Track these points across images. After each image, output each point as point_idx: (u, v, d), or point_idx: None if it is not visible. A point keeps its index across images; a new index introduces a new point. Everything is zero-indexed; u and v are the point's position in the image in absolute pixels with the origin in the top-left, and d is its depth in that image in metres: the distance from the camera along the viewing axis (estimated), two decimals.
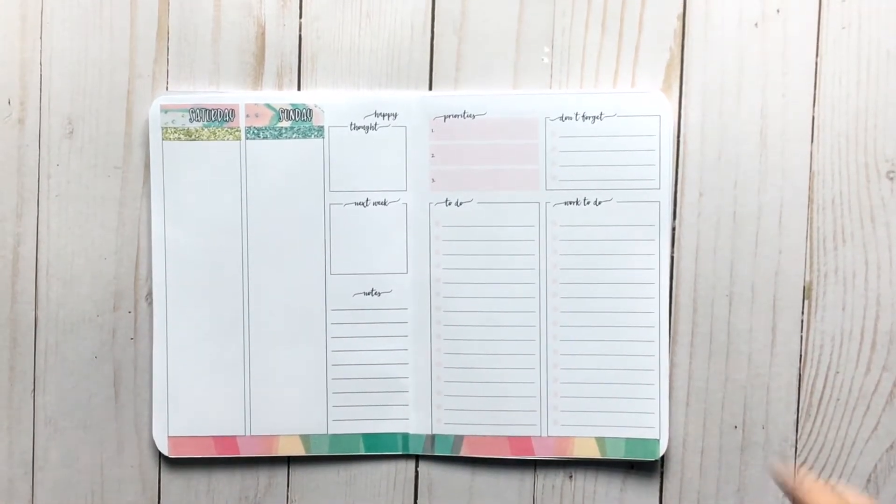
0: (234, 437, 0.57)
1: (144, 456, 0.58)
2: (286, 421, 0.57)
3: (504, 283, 0.56)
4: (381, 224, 0.57)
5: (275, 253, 0.57)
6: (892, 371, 0.55)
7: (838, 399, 0.56)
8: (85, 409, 0.58)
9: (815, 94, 0.55)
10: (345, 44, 0.57)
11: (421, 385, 0.57)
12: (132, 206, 0.58)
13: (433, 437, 0.57)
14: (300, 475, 0.58)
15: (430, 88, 0.57)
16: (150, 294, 0.57)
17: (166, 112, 0.56)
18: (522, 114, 0.56)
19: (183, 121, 0.56)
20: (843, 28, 0.55)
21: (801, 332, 0.56)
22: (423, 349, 0.57)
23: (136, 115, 0.57)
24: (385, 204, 0.57)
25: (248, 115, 0.56)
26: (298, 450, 0.57)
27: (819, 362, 0.56)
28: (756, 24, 0.55)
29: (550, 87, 0.56)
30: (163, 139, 0.56)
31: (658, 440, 0.56)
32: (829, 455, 0.56)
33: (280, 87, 0.57)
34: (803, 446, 0.56)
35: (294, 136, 0.56)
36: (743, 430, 0.56)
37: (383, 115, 0.56)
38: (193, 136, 0.56)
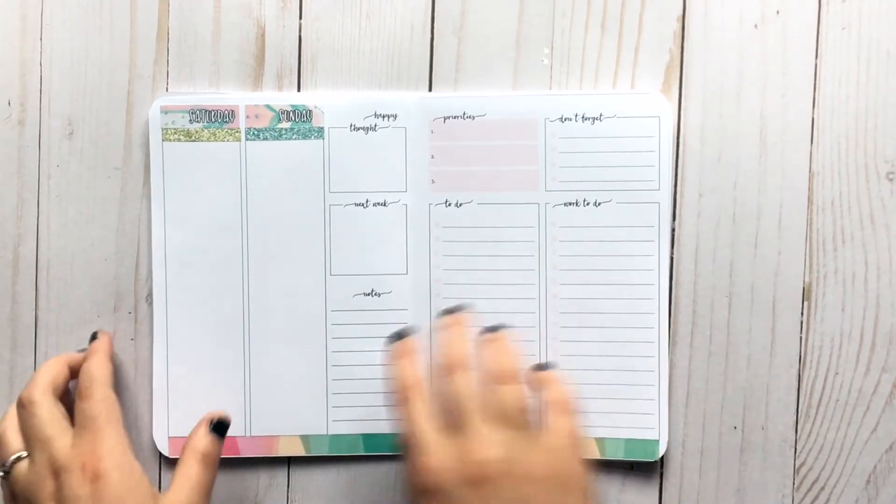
0: (234, 437, 0.57)
1: (144, 456, 0.58)
2: (286, 421, 0.57)
3: (504, 284, 0.57)
4: (381, 225, 0.57)
5: (275, 254, 0.57)
6: (891, 372, 0.55)
7: (838, 400, 0.56)
8: None
9: (814, 96, 0.55)
10: (345, 44, 0.57)
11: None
12: (132, 206, 0.58)
13: None
14: (300, 475, 0.58)
15: (430, 89, 0.57)
16: (150, 295, 0.57)
17: (166, 113, 0.56)
18: (522, 115, 0.56)
19: (183, 122, 0.56)
20: (843, 29, 0.55)
21: (801, 332, 0.56)
22: (422, 349, 0.57)
23: (136, 116, 0.57)
24: (385, 205, 0.57)
25: (248, 117, 0.56)
26: (298, 450, 0.57)
27: (818, 363, 0.56)
28: (756, 26, 0.56)
29: (550, 88, 0.56)
30: (163, 140, 0.56)
31: (657, 441, 0.56)
32: (829, 456, 0.56)
33: (280, 88, 0.57)
34: (802, 447, 0.56)
35: (294, 137, 0.56)
36: (742, 431, 0.56)
37: (383, 117, 0.56)
38: (193, 138, 0.56)
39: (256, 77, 0.57)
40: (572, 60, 0.57)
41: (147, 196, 0.57)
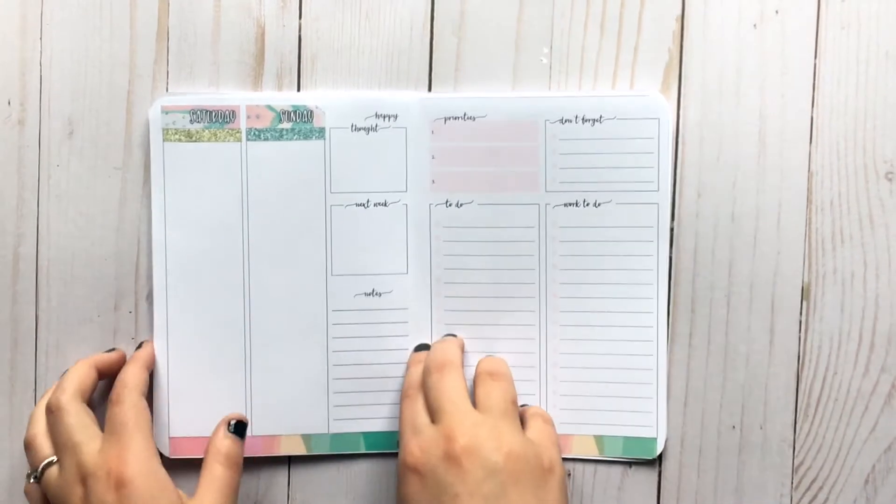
0: None
1: None
2: (287, 421, 0.57)
3: (504, 284, 0.57)
4: (381, 225, 0.57)
5: (276, 254, 0.57)
6: (890, 372, 0.55)
7: (836, 400, 0.56)
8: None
9: (813, 95, 0.55)
10: (344, 44, 0.57)
11: None
12: (132, 206, 0.58)
13: None
14: (301, 474, 0.58)
15: (430, 89, 0.57)
16: (150, 294, 0.57)
17: (167, 113, 0.56)
18: (523, 116, 0.56)
19: (184, 122, 0.56)
20: (842, 29, 0.55)
21: (800, 332, 0.56)
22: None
23: (136, 116, 0.57)
24: (385, 205, 0.57)
25: (248, 117, 0.56)
26: (300, 449, 0.57)
27: (817, 363, 0.56)
28: (755, 25, 0.56)
29: (549, 88, 0.56)
30: (163, 140, 0.56)
31: (655, 439, 0.56)
32: (827, 456, 0.56)
33: (280, 87, 0.57)
34: (801, 447, 0.56)
35: (295, 137, 0.56)
36: (741, 430, 0.56)
37: (384, 117, 0.56)
38: (194, 138, 0.56)
39: (256, 77, 0.57)
40: (571, 60, 0.57)
41: (147, 196, 0.57)
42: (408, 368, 0.56)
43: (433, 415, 0.51)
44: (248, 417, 0.57)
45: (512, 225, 0.56)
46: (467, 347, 0.57)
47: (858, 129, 0.55)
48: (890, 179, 0.55)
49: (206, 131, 0.56)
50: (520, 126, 0.56)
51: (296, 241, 0.57)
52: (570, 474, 0.57)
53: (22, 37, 0.58)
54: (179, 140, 0.56)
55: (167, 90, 0.57)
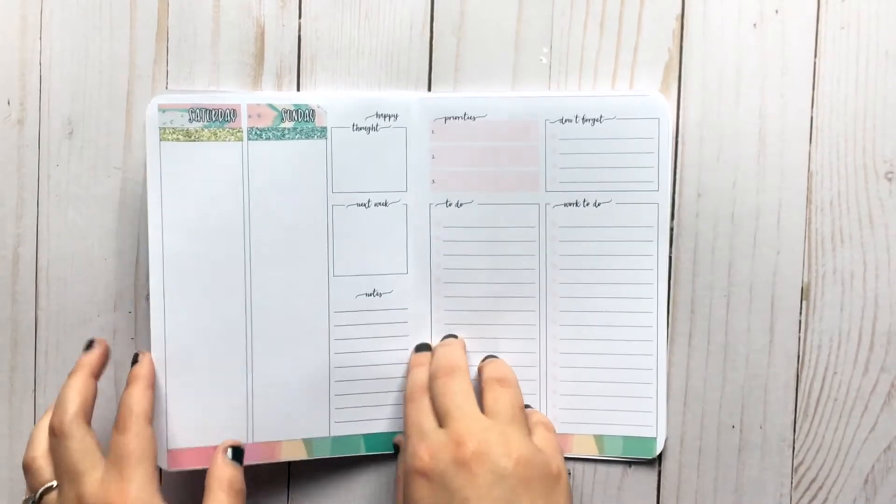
0: None
1: None
2: (289, 425, 0.56)
3: (504, 284, 0.57)
4: (382, 225, 0.57)
5: (278, 256, 0.56)
6: (889, 372, 0.55)
7: (836, 399, 0.56)
8: None
9: (813, 95, 0.55)
10: (344, 44, 0.57)
11: None
12: (132, 206, 0.58)
13: None
14: (300, 475, 0.58)
15: (430, 89, 0.57)
16: (150, 294, 0.57)
17: (164, 112, 0.54)
18: (523, 116, 0.56)
19: (182, 121, 0.55)
20: (842, 28, 0.55)
21: (799, 332, 0.56)
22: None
23: (136, 116, 0.57)
24: (386, 205, 0.57)
25: (250, 116, 0.55)
26: (301, 454, 0.57)
27: (817, 363, 0.56)
28: (754, 25, 0.56)
29: (549, 88, 0.57)
30: (160, 140, 0.55)
31: (655, 439, 0.56)
32: (827, 455, 0.56)
33: (279, 87, 0.57)
34: (801, 446, 0.56)
35: (297, 136, 0.56)
36: (740, 430, 0.56)
37: (384, 117, 0.56)
38: (193, 137, 0.55)
39: (256, 76, 0.57)
40: (571, 60, 0.57)
41: (147, 196, 0.57)
42: (410, 370, 0.55)
43: (441, 419, 0.51)
44: (250, 423, 0.56)
45: (512, 225, 0.56)
46: (467, 347, 0.57)
47: (858, 129, 0.55)
48: (890, 179, 0.55)
49: (206, 130, 0.55)
50: (520, 126, 0.56)
51: (298, 242, 0.56)
52: (570, 474, 0.57)
53: (22, 37, 0.58)
54: (177, 139, 0.55)
55: (167, 90, 0.57)
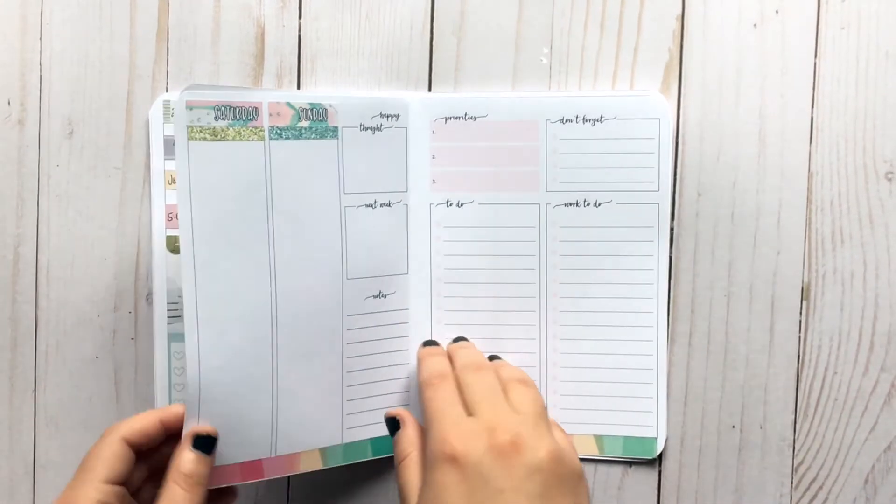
0: (259, 460, 0.53)
1: None
2: (306, 436, 0.54)
3: (504, 284, 0.57)
4: (386, 225, 0.56)
5: (300, 261, 0.53)
6: (889, 371, 0.55)
7: (836, 399, 0.56)
8: (86, 409, 0.58)
9: (813, 95, 0.55)
10: (344, 44, 0.57)
11: None
12: (132, 206, 0.58)
13: None
14: (301, 475, 0.58)
15: (430, 89, 0.57)
16: (150, 294, 0.57)
17: (192, 109, 0.50)
18: (523, 116, 0.56)
19: (209, 119, 0.50)
20: (842, 28, 0.55)
21: (800, 332, 0.56)
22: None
23: (136, 116, 0.57)
24: (389, 205, 0.56)
25: (270, 114, 0.52)
26: (317, 464, 0.55)
27: (817, 363, 0.56)
28: (755, 25, 0.56)
29: (549, 88, 0.57)
30: (188, 139, 0.50)
31: (655, 439, 0.56)
32: (827, 455, 0.56)
33: (280, 87, 0.57)
34: (801, 446, 0.56)
35: (312, 136, 0.53)
36: (741, 430, 0.56)
37: (387, 116, 0.56)
38: (219, 136, 0.51)
39: (256, 77, 0.57)
40: (571, 60, 0.57)
41: (147, 196, 0.57)
42: (422, 360, 0.54)
43: (470, 407, 0.49)
44: (273, 438, 0.53)
45: (512, 225, 0.56)
46: None
47: (858, 129, 0.55)
48: (890, 179, 0.55)
49: (231, 129, 0.51)
50: (520, 126, 0.56)
51: (316, 245, 0.54)
52: None
53: (22, 37, 0.58)
54: (204, 138, 0.50)
55: (167, 90, 0.57)
